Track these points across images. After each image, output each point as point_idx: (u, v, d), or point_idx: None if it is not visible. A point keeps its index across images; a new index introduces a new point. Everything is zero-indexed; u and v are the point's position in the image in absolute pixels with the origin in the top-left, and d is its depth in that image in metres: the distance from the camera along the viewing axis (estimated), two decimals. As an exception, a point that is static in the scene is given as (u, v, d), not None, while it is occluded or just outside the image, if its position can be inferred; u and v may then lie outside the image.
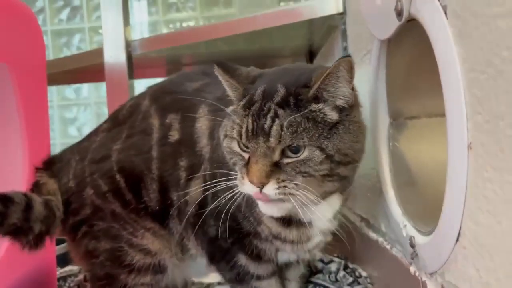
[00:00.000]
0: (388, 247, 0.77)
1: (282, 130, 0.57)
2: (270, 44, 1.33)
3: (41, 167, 0.83)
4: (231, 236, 0.71)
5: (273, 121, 0.58)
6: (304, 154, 0.57)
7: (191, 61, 1.37)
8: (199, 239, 0.76)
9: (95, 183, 0.78)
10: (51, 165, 0.83)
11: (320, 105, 0.58)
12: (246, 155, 0.60)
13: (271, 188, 0.57)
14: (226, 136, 0.63)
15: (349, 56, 0.57)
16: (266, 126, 0.58)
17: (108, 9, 1.23)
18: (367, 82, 0.83)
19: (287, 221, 0.67)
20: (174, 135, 0.77)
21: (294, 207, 0.59)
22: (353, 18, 0.94)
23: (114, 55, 1.22)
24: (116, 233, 0.76)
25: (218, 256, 0.75)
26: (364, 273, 0.90)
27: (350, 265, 0.92)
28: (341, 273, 0.87)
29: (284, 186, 0.58)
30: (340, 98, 0.59)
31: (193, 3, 2.37)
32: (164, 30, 2.56)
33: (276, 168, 0.58)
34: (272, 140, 0.57)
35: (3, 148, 0.90)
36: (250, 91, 0.62)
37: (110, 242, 0.76)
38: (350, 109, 0.60)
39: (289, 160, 0.58)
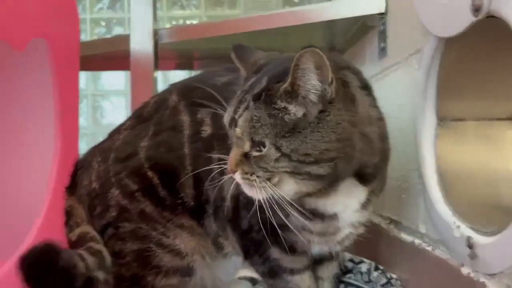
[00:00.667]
0: (429, 248, 0.76)
1: (245, 122, 0.58)
2: (297, 42, 1.32)
3: (68, 190, 0.81)
4: (263, 229, 0.68)
5: (243, 111, 0.59)
6: (265, 150, 0.58)
7: (218, 54, 1.35)
8: (235, 234, 0.74)
9: (122, 183, 0.76)
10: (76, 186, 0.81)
11: (283, 102, 0.57)
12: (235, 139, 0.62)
13: (238, 177, 0.60)
14: None
15: (312, 46, 0.54)
16: (236, 116, 0.59)
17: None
18: (413, 82, 0.82)
19: (311, 213, 0.66)
20: (207, 130, 0.75)
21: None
22: (395, 18, 0.94)
23: (141, 43, 1.19)
24: (144, 234, 0.74)
25: (252, 250, 0.74)
26: (394, 275, 0.88)
27: (380, 267, 0.91)
28: (374, 273, 0.86)
29: (247, 178, 0.60)
30: (311, 92, 0.57)
31: (197, 1, 2.36)
32: (167, 26, 2.54)
33: (245, 159, 0.60)
34: (238, 130, 0.59)
35: (35, 127, 0.88)
36: (249, 77, 0.63)
37: (138, 243, 0.74)
38: (327, 105, 0.57)
39: (255, 154, 0.59)
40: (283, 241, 0.69)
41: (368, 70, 1.13)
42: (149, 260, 0.73)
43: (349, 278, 0.86)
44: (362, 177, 0.65)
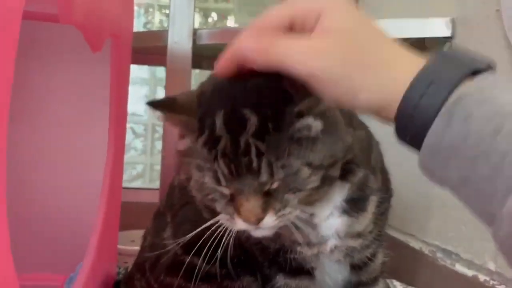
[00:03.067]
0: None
1: (273, 165, 0.49)
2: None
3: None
4: (264, 258, 0.67)
5: (259, 159, 0.48)
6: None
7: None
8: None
9: (164, 283, 0.71)
10: None
11: (305, 120, 0.49)
12: (227, 191, 0.52)
13: (270, 221, 0.51)
14: (191, 177, 0.54)
15: None
16: (254, 165, 0.48)
17: (179, -8, 1.14)
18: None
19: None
20: None
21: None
22: (464, 44, 0.92)
23: (179, 41, 1.13)
24: None
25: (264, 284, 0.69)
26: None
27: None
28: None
29: (283, 214, 0.52)
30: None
31: None
32: (157, 15, 2.48)
33: (267, 198, 0.51)
34: (265, 178, 0.49)
35: (87, 130, 0.82)
36: (206, 123, 0.50)
37: None
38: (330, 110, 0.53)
39: (277, 185, 0.51)
40: (286, 263, 0.65)
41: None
42: None
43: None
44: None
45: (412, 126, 0.39)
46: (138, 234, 1.21)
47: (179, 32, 1.12)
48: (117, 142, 0.79)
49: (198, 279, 0.68)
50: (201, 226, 0.64)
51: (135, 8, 2.18)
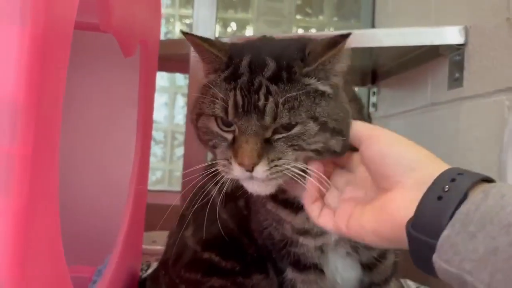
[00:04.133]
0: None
1: (277, 108, 0.52)
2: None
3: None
4: (272, 251, 0.69)
5: (266, 98, 0.52)
6: (297, 128, 0.54)
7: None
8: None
9: (185, 278, 0.75)
10: None
11: (313, 80, 0.54)
12: (229, 135, 0.55)
13: (261, 171, 0.53)
14: (201, 114, 0.57)
15: (350, 33, 0.53)
16: (260, 103, 0.52)
17: (202, 1, 1.19)
18: (498, 118, 0.83)
19: (295, 206, 0.63)
20: (228, 186, 0.74)
21: (285, 182, 0.56)
22: (478, 51, 0.95)
23: (202, 49, 1.18)
24: None
25: (277, 276, 0.72)
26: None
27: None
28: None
29: (275, 165, 0.53)
30: (335, 75, 0.56)
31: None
32: (178, 25, 2.54)
33: (266, 145, 0.53)
34: (268, 119, 0.52)
35: (115, 132, 0.86)
36: (234, 61, 0.55)
37: None
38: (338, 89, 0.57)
39: (280, 136, 0.54)
40: (292, 256, 0.67)
41: (432, 97, 1.14)
42: None
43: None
44: None
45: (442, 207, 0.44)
46: (159, 235, 1.26)
47: (201, 41, 1.17)
48: (143, 145, 0.84)
49: (215, 274, 0.72)
50: (219, 226, 0.69)
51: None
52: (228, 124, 0.54)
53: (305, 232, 0.64)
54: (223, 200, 0.73)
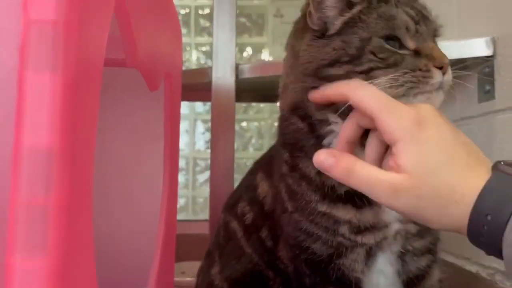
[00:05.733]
0: None
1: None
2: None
3: None
4: (307, 275, 0.65)
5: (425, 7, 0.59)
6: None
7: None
8: None
9: None
10: None
11: None
12: (406, 51, 0.55)
13: (450, 72, 0.56)
14: (370, 38, 0.55)
15: None
16: (425, 12, 0.58)
17: (220, 29, 1.20)
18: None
19: (359, 199, 0.60)
20: (248, 217, 0.74)
21: None
22: (507, 62, 0.92)
23: (223, 76, 1.18)
24: None
25: None
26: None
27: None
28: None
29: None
30: None
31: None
32: (194, 53, 2.57)
33: None
34: (435, 24, 0.59)
35: (141, 167, 0.86)
36: None
37: None
38: None
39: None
40: (336, 271, 0.63)
41: (461, 111, 1.10)
42: None
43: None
44: None
45: (484, 239, 0.45)
46: (188, 266, 1.24)
47: (222, 68, 1.17)
48: (171, 177, 0.83)
49: None
50: (244, 262, 0.68)
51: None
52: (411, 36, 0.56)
53: (366, 229, 0.61)
54: (245, 233, 0.72)
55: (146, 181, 0.88)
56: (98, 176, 0.90)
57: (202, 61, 2.46)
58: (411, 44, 0.56)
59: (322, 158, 0.52)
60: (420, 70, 0.54)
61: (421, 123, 0.49)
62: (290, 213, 0.65)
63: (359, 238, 0.62)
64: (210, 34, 2.35)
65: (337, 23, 0.57)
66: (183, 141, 2.46)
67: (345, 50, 0.55)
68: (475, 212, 0.44)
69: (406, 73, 0.54)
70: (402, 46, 0.56)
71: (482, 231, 0.44)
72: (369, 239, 0.62)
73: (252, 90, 1.32)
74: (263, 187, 0.72)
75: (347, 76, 0.54)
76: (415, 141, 0.48)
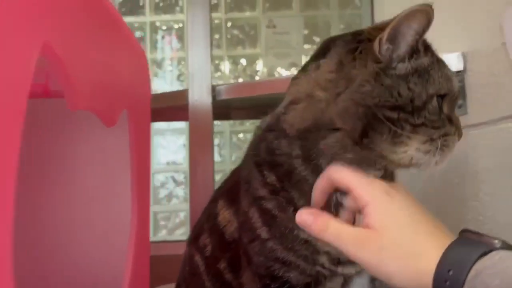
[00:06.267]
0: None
1: None
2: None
3: None
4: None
5: None
6: None
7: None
8: None
9: None
10: None
11: None
12: (443, 115, 0.57)
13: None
14: (433, 96, 0.56)
15: None
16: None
17: (195, 51, 1.20)
18: (507, 146, 0.79)
19: None
20: (208, 249, 0.72)
21: None
22: (480, 78, 0.91)
23: (199, 98, 1.18)
24: None
25: None
26: None
27: None
28: None
29: None
30: None
31: (219, 41, 2.43)
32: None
33: None
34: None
35: (112, 197, 0.86)
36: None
37: None
38: None
39: None
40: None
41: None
42: None
43: None
44: None
45: None
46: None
47: (199, 90, 1.17)
48: (140, 207, 0.83)
49: None
50: None
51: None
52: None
53: (348, 261, 0.60)
54: (206, 267, 0.70)
55: (117, 212, 0.88)
56: (68, 209, 0.90)
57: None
58: (446, 110, 0.57)
59: (304, 217, 0.57)
60: (451, 135, 0.57)
61: (390, 193, 0.54)
62: (263, 240, 0.62)
63: (339, 269, 0.62)
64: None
65: (406, 66, 0.56)
66: (181, 155, 2.46)
67: (412, 100, 0.55)
68: (439, 266, 0.47)
69: (443, 135, 0.56)
70: (441, 109, 0.57)
71: (445, 286, 0.46)
72: (349, 269, 0.62)
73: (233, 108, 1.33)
74: (224, 215, 0.70)
75: (397, 121, 0.54)
76: (384, 203, 0.54)
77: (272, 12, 2.34)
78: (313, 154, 0.58)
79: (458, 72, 0.95)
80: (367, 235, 0.52)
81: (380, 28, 0.57)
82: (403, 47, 0.56)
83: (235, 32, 2.50)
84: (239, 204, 0.67)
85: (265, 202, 0.62)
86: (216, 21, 2.34)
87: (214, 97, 1.18)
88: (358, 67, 0.56)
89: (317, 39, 2.34)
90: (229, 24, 2.46)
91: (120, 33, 0.73)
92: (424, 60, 0.57)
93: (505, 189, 0.80)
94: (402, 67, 0.56)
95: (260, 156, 0.64)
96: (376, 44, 0.56)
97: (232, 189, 0.70)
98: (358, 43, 0.58)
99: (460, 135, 0.59)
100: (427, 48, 0.59)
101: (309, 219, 0.56)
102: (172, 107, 1.24)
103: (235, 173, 0.73)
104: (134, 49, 0.82)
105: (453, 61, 0.95)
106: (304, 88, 0.60)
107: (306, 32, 2.31)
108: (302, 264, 0.61)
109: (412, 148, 0.55)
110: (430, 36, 1.14)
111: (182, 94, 1.20)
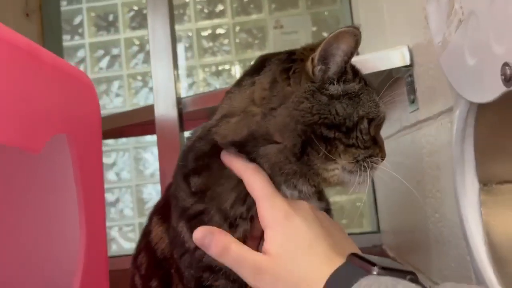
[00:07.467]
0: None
1: None
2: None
3: None
4: None
5: None
6: None
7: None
8: None
9: None
10: None
11: None
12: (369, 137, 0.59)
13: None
14: (363, 118, 0.58)
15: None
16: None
17: (159, 65, 1.21)
18: (448, 144, 0.76)
19: None
20: (143, 267, 0.73)
21: None
22: (424, 72, 0.88)
23: (165, 113, 1.19)
24: None
25: None
26: None
27: None
28: None
29: None
30: None
31: (228, 46, 2.41)
32: (201, 74, 2.59)
33: None
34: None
35: (59, 221, 0.88)
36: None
37: None
38: None
39: None
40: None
41: (401, 120, 1.07)
42: None
43: None
44: None
45: None
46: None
47: (164, 104, 1.19)
48: (90, 221, 0.83)
49: None
50: None
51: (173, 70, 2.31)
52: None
53: None
54: (142, 286, 0.71)
55: (65, 236, 0.90)
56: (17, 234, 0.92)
57: (210, 81, 2.47)
58: (373, 132, 0.59)
59: (201, 235, 0.56)
60: (375, 157, 0.59)
61: (289, 216, 0.54)
62: (192, 251, 0.62)
63: None
64: (214, 54, 2.39)
65: (338, 88, 0.58)
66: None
67: (345, 121, 0.57)
68: None
69: (369, 156, 0.58)
70: (369, 131, 0.59)
71: None
72: None
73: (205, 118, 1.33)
74: (156, 232, 0.70)
75: (333, 141, 0.56)
76: (281, 228, 0.54)
77: (279, 12, 2.32)
78: (251, 155, 0.58)
79: (406, 66, 0.93)
80: (264, 264, 0.52)
81: (311, 48, 0.59)
82: (333, 67, 0.57)
83: (244, 35, 2.49)
84: (170, 220, 0.67)
85: (192, 210, 0.62)
86: (225, 27, 2.35)
87: (180, 110, 1.19)
88: (292, 85, 0.58)
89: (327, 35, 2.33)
90: (237, 28, 2.46)
91: (40, 63, 0.73)
92: (355, 85, 0.59)
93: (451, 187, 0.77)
94: (334, 89, 0.57)
95: (188, 167, 0.64)
96: (309, 64, 0.58)
97: (165, 205, 0.70)
98: (292, 62, 0.59)
99: (383, 157, 0.60)
100: (356, 73, 0.61)
101: (207, 238, 0.55)
102: (141, 123, 1.26)
103: (169, 188, 0.73)
104: (69, 75, 0.83)
105: (400, 56, 0.93)
106: (238, 103, 0.61)
107: (314, 29, 2.28)
108: (227, 269, 0.60)
109: (339, 167, 0.57)
110: (390, 33, 1.12)
111: (149, 109, 1.22)
